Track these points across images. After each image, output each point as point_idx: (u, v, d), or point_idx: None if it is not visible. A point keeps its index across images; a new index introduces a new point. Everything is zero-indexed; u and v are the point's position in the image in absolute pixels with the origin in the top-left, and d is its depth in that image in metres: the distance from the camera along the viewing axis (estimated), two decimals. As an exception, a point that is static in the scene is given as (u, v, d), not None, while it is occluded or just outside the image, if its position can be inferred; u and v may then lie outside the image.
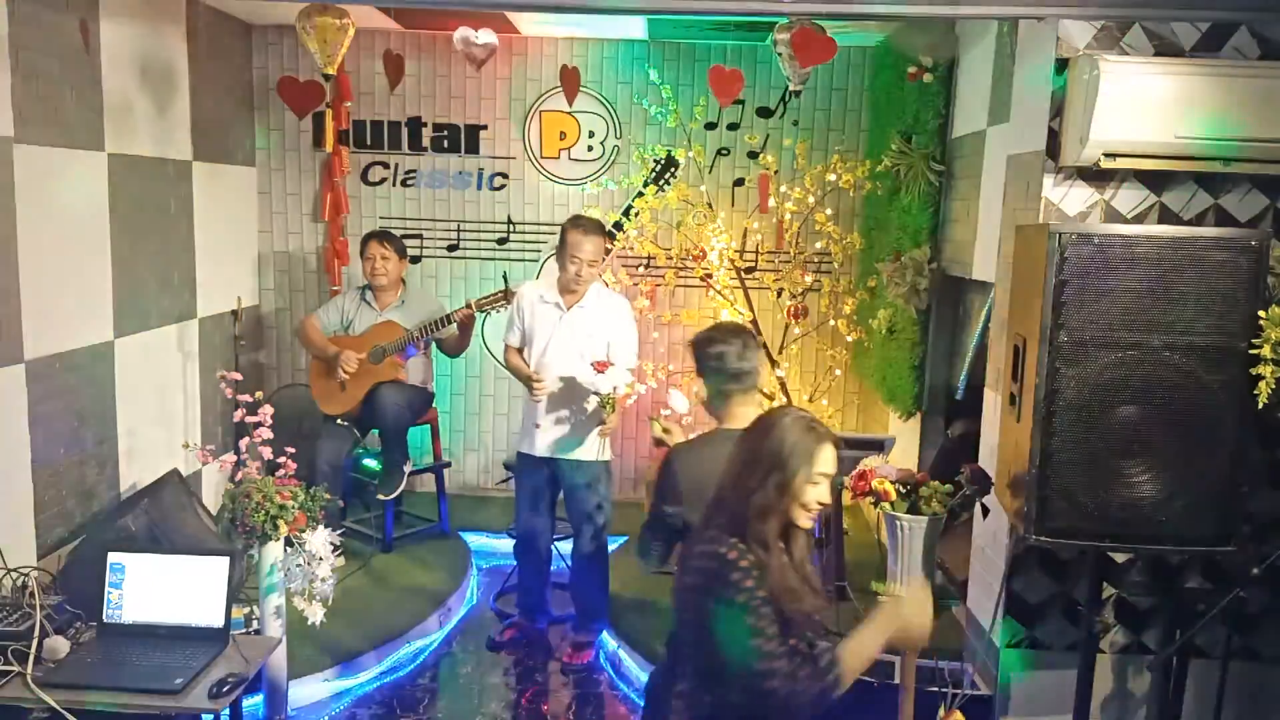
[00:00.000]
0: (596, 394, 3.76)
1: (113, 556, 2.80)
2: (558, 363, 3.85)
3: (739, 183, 5.39)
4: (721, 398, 2.59)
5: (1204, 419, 2.46)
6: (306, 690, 3.58)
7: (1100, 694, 3.12)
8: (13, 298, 3.23)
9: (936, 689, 3.22)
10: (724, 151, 5.39)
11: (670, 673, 2.51)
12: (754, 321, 5.20)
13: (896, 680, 2.93)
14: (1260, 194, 2.98)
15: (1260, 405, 2.42)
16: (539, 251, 5.50)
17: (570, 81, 5.13)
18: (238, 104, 5.16)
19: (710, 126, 5.36)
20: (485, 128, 5.40)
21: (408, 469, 4.72)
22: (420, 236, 5.48)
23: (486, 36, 4.13)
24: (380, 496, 4.61)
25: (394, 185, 5.45)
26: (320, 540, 3.24)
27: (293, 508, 3.17)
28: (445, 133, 5.40)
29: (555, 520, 4.15)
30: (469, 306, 4.41)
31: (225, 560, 2.79)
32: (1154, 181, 2.99)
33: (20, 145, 3.24)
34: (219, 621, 2.75)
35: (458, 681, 3.89)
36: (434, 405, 4.88)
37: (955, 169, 4.19)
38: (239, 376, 3.48)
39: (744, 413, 2.58)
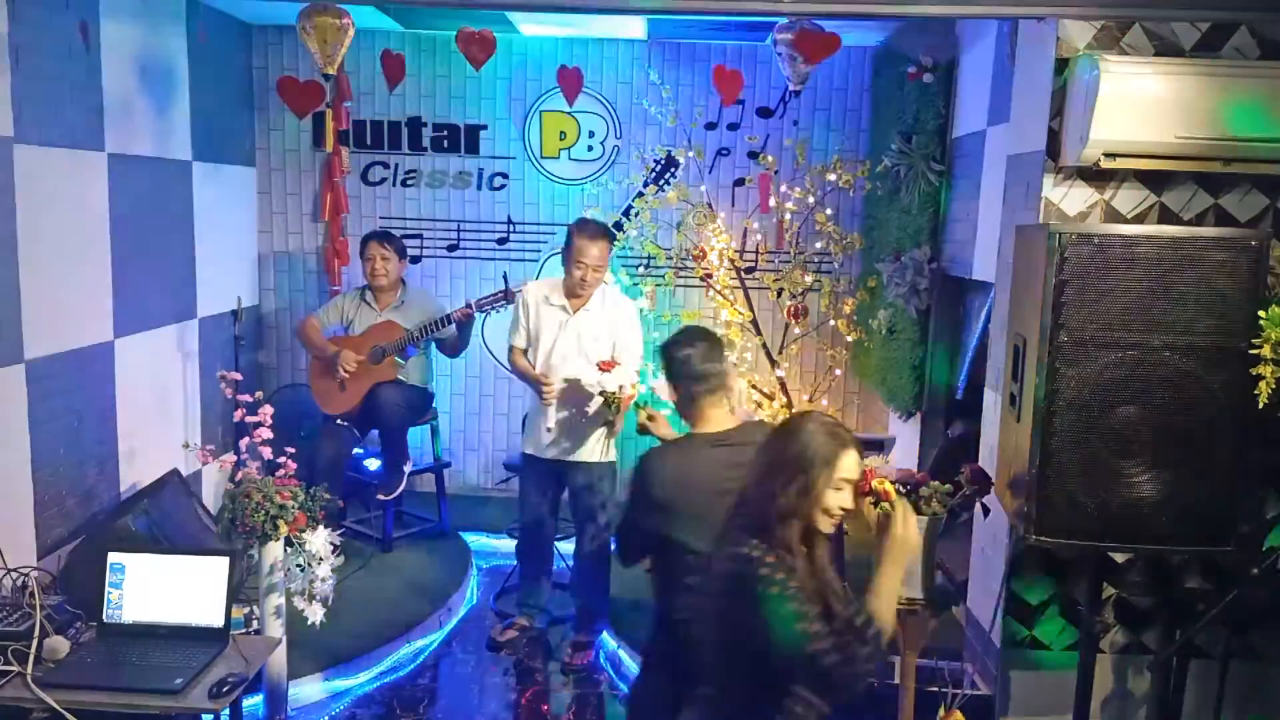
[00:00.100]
0: (601, 393, 3.75)
1: (113, 556, 2.80)
2: (564, 366, 3.84)
3: (739, 183, 5.39)
4: (689, 401, 2.59)
5: (1204, 419, 2.46)
6: (306, 690, 3.58)
7: (1100, 694, 3.12)
8: (13, 298, 3.23)
9: (936, 689, 3.22)
10: (724, 151, 5.39)
11: (656, 689, 2.51)
12: (754, 321, 5.20)
13: (896, 680, 2.94)
14: (1260, 194, 2.98)
15: (1260, 405, 2.42)
16: (539, 251, 5.50)
17: (570, 81, 5.13)
18: (238, 104, 5.16)
19: (710, 126, 5.36)
20: (485, 128, 5.40)
21: (408, 469, 4.72)
22: (420, 236, 5.48)
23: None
24: (380, 496, 4.61)
25: (394, 185, 5.46)
26: (320, 540, 3.25)
27: (293, 508, 3.17)
28: (445, 133, 5.40)
29: (559, 520, 4.15)
30: (468, 306, 4.41)
31: (225, 560, 2.79)
32: (1154, 181, 2.99)
33: (20, 145, 3.24)
34: (219, 621, 2.75)
35: (458, 681, 3.89)
36: (434, 405, 4.88)
37: (955, 169, 4.19)
38: (239, 376, 3.48)
39: (714, 415, 2.57)
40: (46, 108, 3.39)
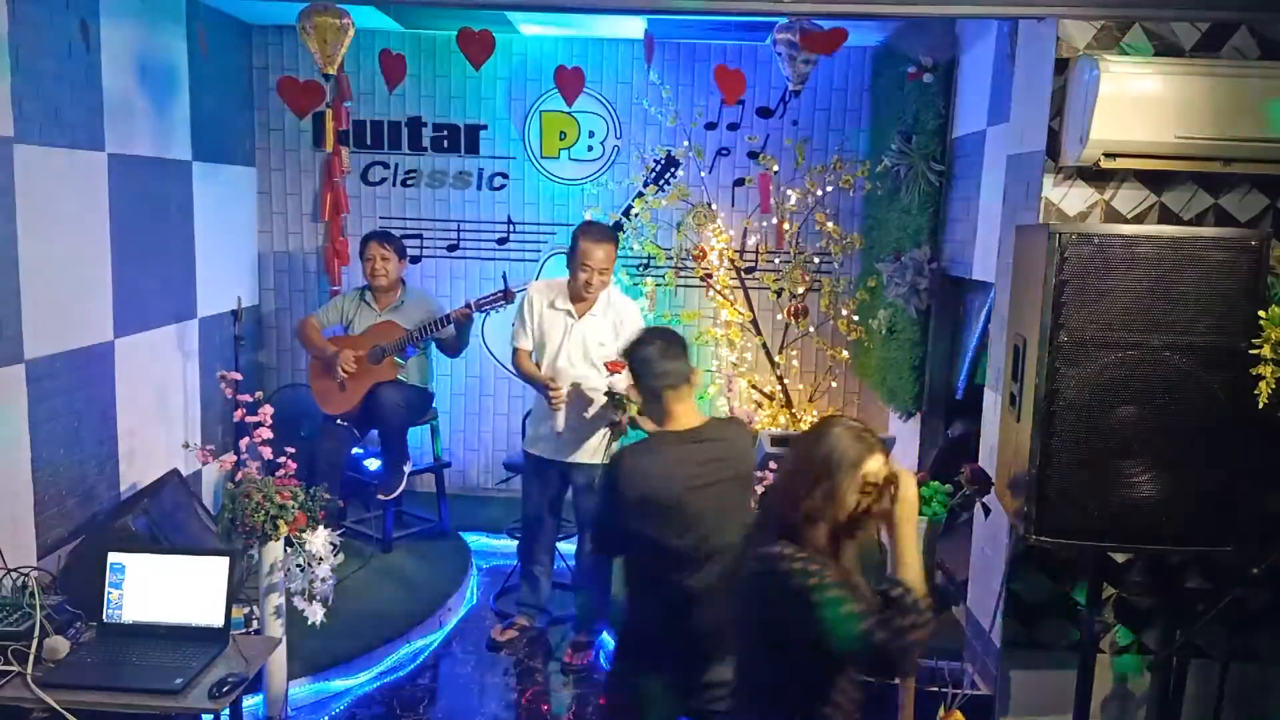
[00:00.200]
0: (608, 394, 3.74)
1: (113, 556, 2.80)
2: (570, 370, 3.83)
3: (739, 183, 5.39)
4: (654, 399, 2.59)
5: (1204, 419, 2.46)
6: (306, 690, 3.58)
7: (1100, 694, 3.12)
8: (13, 298, 3.23)
9: (936, 689, 3.22)
10: (724, 151, 5.39)
11: (632, 682, 2.53)
12: (754, 321, 5.20)
13: (896, 680, 2.94)
14: (1260, 194, 2.98)
15: (1260, 405, 2.42)
16: (539, 251, 5.50)
17: (569, 82, 5.13)
18: (238, 104, 5.16)
19: (710, 126, 5.36)
20: (485, 128, 5.40)
21: (408, 469, 4.72)
22: (420, 236, 5.48)
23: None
24: (380, 496, 4.61)
25: (394, 185, 5.46)
26: (320, 540, 3.25)
27: (293, 508, 3.17)
28: (445, 133, 5.40)
29: (560, 520, 4.15)
30: (467, 306, 4.41)
31: (225, 560, 2.79)
32: (1154, 181, 2.99)
33: (20, 145, 3.24)
34: (219, 621, 2.75)
35: (458, 681, 3.89)
36: (434, 405, 4.88)
37: (955, 169, 4.19)
38: (239, 376, 3.48)
39: (681, 412, 2.57)
40: (46, 108, 3.40)
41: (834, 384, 5.45)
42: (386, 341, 4.48)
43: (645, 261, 5.37)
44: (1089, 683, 2.84)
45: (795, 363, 5.38)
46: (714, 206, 5.22)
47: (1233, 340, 2.44)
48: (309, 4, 3.41)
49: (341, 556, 3.36)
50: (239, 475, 3.24)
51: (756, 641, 2.05)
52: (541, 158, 5.42)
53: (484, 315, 4.56)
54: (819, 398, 5.37)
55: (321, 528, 3.26)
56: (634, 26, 4.99)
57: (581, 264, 3.73)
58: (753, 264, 5.37)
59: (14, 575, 2.80)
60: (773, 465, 3.72)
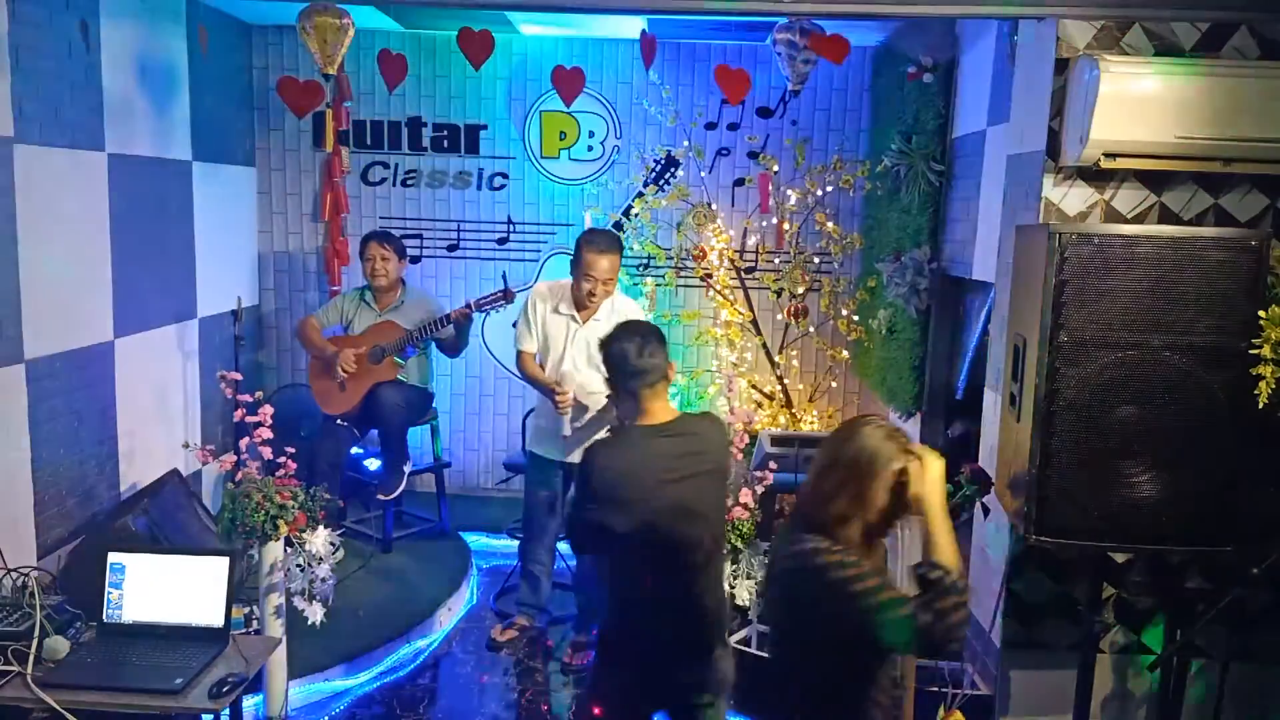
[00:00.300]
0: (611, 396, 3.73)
1: (113, 556, 2.79)
2: (575, 375, 3.81)
3: (739, 183, 5.39)
4: (629, 396, 2.58)
5: (1204, 419, 2.46)
6: (306, 690, 3.58)
7: (1100, 694, 3.12)
8: (13, 298, 3.23)
9: (936, 689, 3.23)
10: (724, 151, 5.39)
11: (615, 677, 2.53)
12: (754, 321, 5.21)
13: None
14: (1260, 194, 2.98)
15: (1260, 405, 2.42)
16: (539, 251, 5.50)
17: (567, 82, 5.12)
18: (238, 104, 5.16)
19: (710, 126, 5.36)
20: (485, 128, 5.40)
21: (408, 469, 4.71)
22: (420, 236, 5.48)
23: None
24: (380, 496, 4.61)
25: (394, 185, 5.46)
26: (320, 540, 3.24)
27: (293, 508, 3.17)
28: (445, 133, 5.40)
29: (561, 521, 4.15)
30: (467, 307, 4.41)
31: (225, 560, 2.78)
32: (1154, 181, 2.99)
33: (20, 145, 3.24)
34: (219, 621, 2.75)
35: (458, 681, 3.89)
36: (434, 405, 4.88)
37: (955, 169, 4.19)
38: (239, 376, 3.48)
39: (655, 408, 2.56)
40: (46, 108, 3.40)
41: (834, 384, 5.46)
42: (386, 341, 4.48)
43: (645, 261, 5.37)
44: (1089, 683, 2.84)
45: (795, 363, 5.39)
46: (714, 206, 5.22)
47: (1233, 340, 2.44)
48: (309, 4, 3.41)
49: (341, 556, 3.36)
50: (239, 475, 3.24)
51: (800, 642, 2.05)
52: (541, 158, 5.42)
53: (484, 315, 4.56)
54: (819, 398, 5.37)
55: (321, 528, 3.26)
56: (634, 26, 4.99)
57: (585, 274, 3.71)
58: (753, 264, 5.37)
59: (14, 575, 2.80)
60: (772, 465, 3.73)
